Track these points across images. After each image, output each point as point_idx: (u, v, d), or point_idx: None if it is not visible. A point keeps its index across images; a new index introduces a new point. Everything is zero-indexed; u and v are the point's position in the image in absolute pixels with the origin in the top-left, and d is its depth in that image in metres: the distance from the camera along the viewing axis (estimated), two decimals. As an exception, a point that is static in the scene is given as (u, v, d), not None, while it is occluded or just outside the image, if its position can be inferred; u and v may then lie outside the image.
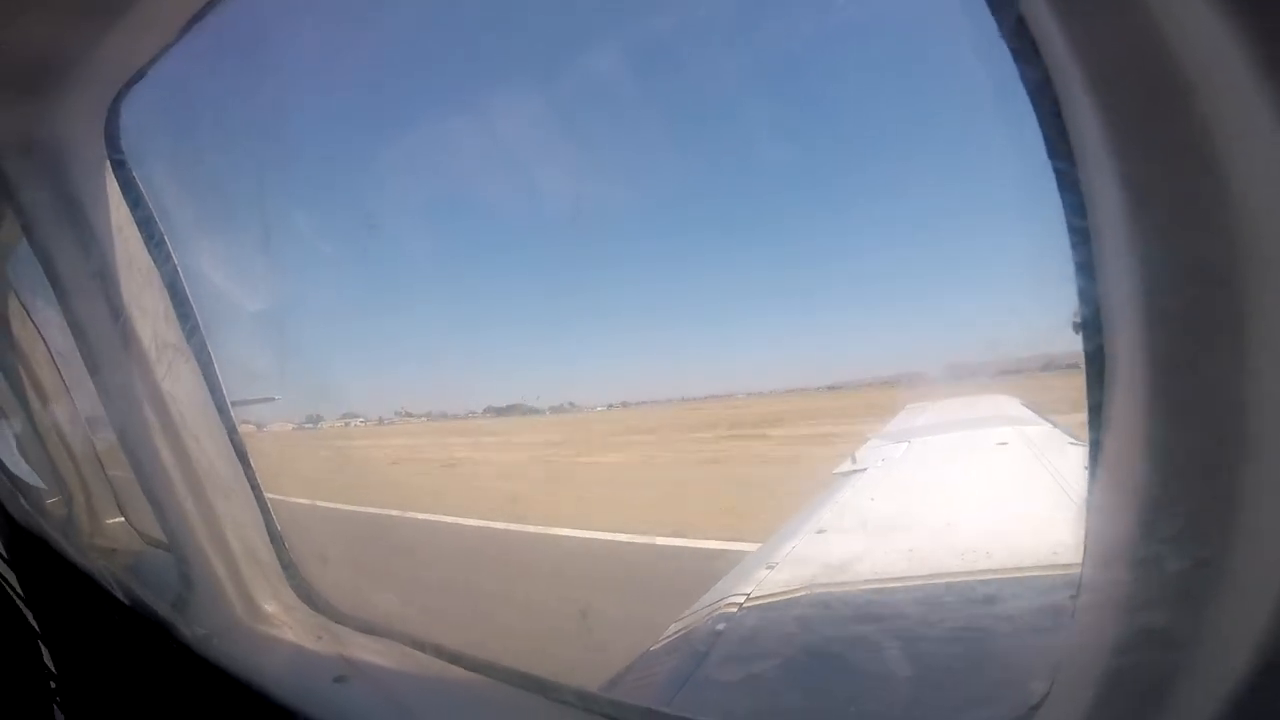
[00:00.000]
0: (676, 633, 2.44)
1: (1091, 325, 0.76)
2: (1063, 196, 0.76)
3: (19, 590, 2.91)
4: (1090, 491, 0.80)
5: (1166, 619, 0.69)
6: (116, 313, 1.88)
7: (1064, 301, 0.80)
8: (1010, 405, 5.54)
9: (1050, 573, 2.08)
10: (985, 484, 3.74)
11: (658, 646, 2.36)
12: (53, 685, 2.61)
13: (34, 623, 2.79)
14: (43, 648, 2.74)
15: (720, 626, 2.35)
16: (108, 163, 1.85)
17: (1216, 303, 0.61)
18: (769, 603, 2.49)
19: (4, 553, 3.07)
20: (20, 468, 3.40)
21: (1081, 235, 0.75)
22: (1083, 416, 0.81)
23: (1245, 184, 0.58)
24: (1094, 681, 0.77)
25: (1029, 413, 5.16)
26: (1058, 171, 0.76)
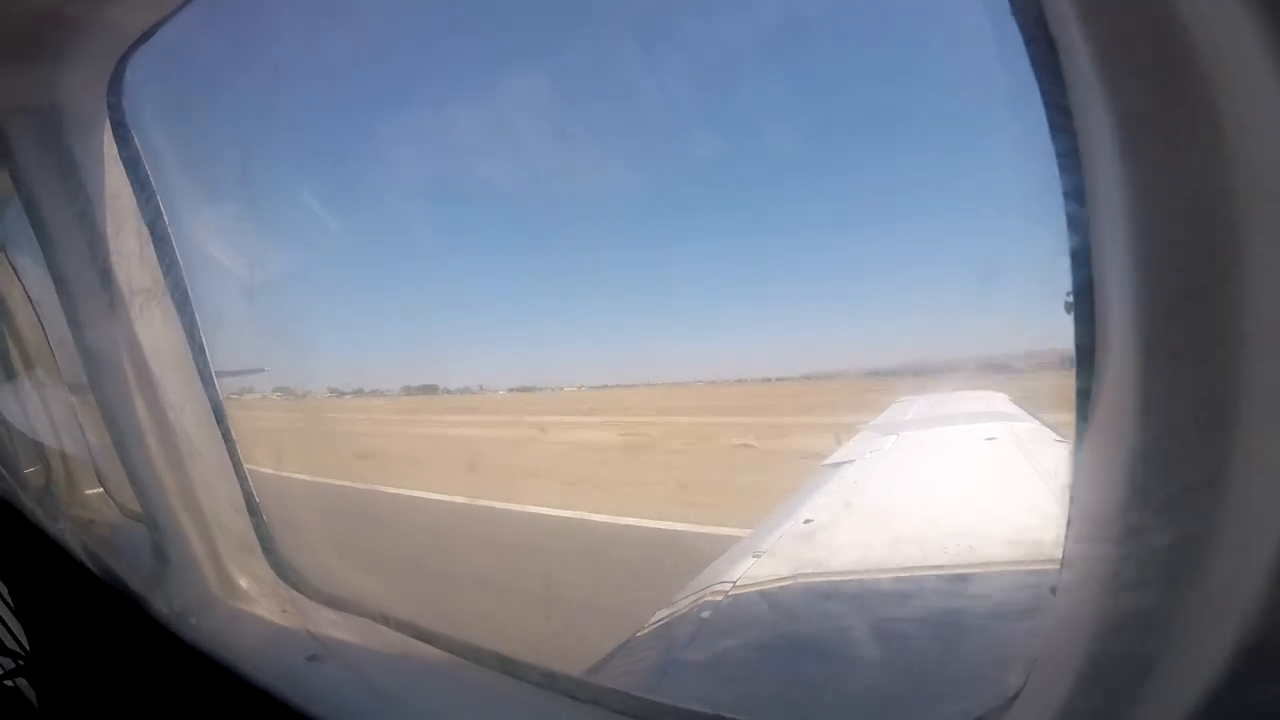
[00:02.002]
0: (661, 620, 2.42)
1: (1084, 309, 0.75)
2: (1064, 183, 0.75)
3: (-8, 561, 2.87)
4: (1072, 485, 0.80)
5: (1143, 613, 0.69)
6: (106, 279, 1.85)
7: (1055, 295, 0.80)
8: (999, 401, 5.57)
9: (1033, 567, 2.08)
10: (972, 478, 3.75)
11: (642, 633, 2.35)
12: (21, 661, 2.57)
13: (6, 595, 2.75)
14: (14, 620, 2.70)
15: (705, 614, 2.34)
16: (109, 125, 1.82)
17: (1211, 296, 0.61)
18: (754, 591, 2.48)
19: None
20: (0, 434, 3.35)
21: (1078, 220, 0.74)
22: (1069, 416, 0.80)
23: (1247, 175, 0.57)
24: (1070, 673, 0.77)
25: (1017, 409, 5.18)
26: (1060, 160, 0.75)
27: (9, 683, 2.52)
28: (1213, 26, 0.55)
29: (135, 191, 1.87)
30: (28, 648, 2.62)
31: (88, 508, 3.28)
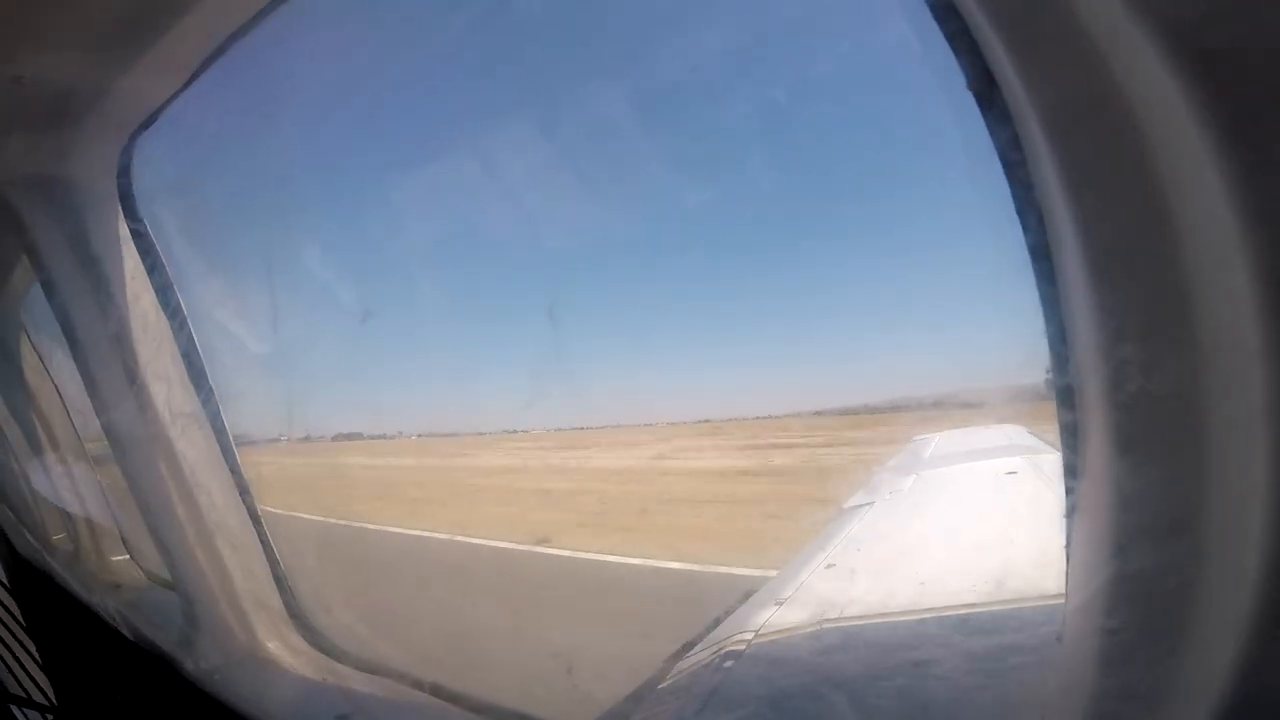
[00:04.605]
0: (683, 670, 2.39)
1: (1062, 382, 0.79)
2: (1036, 270, 0.81)
3: (21, 620, 2.90)
4: (1068, 535, 0.84)
5: (1144, 653, 0.71)
6: (122, 350, 1.91)
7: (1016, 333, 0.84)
8: (1018, 434, 5.48)
9: (1060, 601, 2.04)
10: (996, 513, 3.69)
11: (665, 685, 2.32)
12: (51, 717, 2.59)
13: (35, 653, 2.78)
14: (44, 677, 2.72)
15: (728, 664, 2.31)
16: (119, 199, 1.90)
17: (1173, 355, 0.65)
18: (778, 639, 2.45)
19: (7, 583, 3.07)
20: (27, 503, 3.41)
21: (1051, 300, 0.80)
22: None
23: (1193, 236, 0.62)
24: (1079, 715, 0.78)
25: (1037, 441, 5.10)
26: (1031, 247, 0.81)
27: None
28: (1165, 123, 0.60)
29: (145, 264, 1.94)
30: (56, 703, 2.63)
31: (114, 573, 3.31)
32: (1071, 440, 0.78)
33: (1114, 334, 0.67)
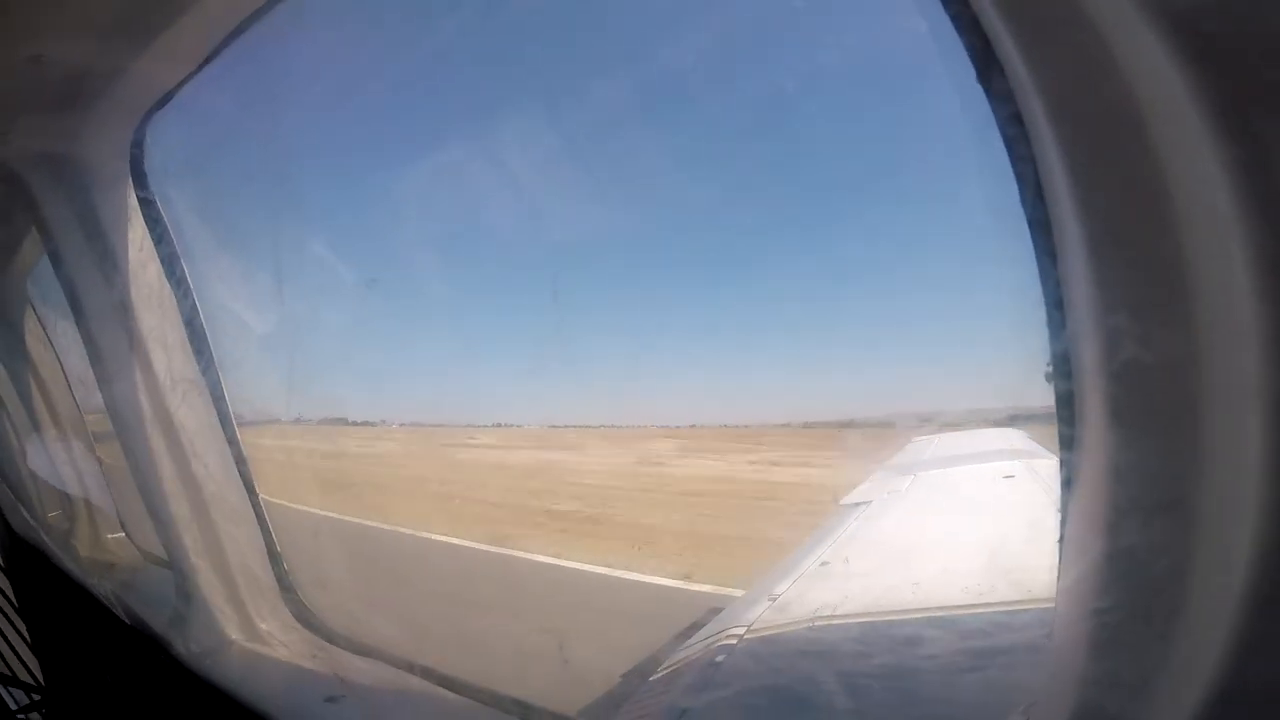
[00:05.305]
0: (675, 665, 2.40)
1: (1061, 374, 0.79)
2: (1040, 270, 0.80)
3: (13, 599, 2.90)
4: (1062, 532, 0.84)
5: (1133, 653, 0.71)
6: (128, 327, 1.91)
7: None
8: (1016, 439, 5.48)
9: (1052, 605, 2.04)
10: (991, 516, 3.69)
11: (656, 678, 2.32)
12: (37, 696, 2.59)
13: (25, 633, 2.78)
14: (32, 657, 2.72)
15: (720, 659, 2.31)
16: (131, 179, 1.91)
17: (1167, 327, 0.65)
18: (770, 635, 2.45)
19: (1, 563, 3.07)
20: (23, 479, 3.41)
21: (1053, 296, 0.79)
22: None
23: (1191, 211, 0.62)
24: (1067, 704, 0.78)
25: (1035, 445, 5.09)
26: (1035, 243, 0.80)
27: (24, 717, 2.54)
28: (1172, 142, 0.61)
29: (156, 243, 1.95)
30: (43, 683, 2.64)
31: (109, 551, 3.31)
32: (1067, 414, 0.78)
33: (1110, 305, 0.67)
